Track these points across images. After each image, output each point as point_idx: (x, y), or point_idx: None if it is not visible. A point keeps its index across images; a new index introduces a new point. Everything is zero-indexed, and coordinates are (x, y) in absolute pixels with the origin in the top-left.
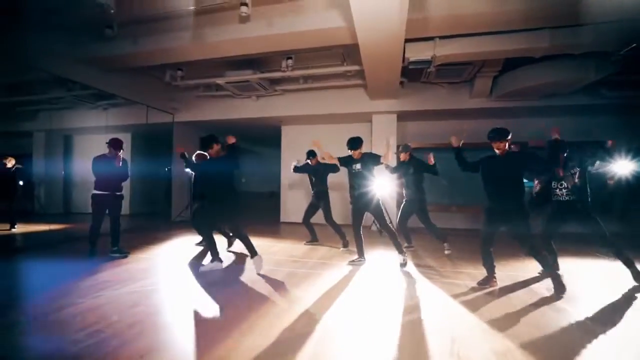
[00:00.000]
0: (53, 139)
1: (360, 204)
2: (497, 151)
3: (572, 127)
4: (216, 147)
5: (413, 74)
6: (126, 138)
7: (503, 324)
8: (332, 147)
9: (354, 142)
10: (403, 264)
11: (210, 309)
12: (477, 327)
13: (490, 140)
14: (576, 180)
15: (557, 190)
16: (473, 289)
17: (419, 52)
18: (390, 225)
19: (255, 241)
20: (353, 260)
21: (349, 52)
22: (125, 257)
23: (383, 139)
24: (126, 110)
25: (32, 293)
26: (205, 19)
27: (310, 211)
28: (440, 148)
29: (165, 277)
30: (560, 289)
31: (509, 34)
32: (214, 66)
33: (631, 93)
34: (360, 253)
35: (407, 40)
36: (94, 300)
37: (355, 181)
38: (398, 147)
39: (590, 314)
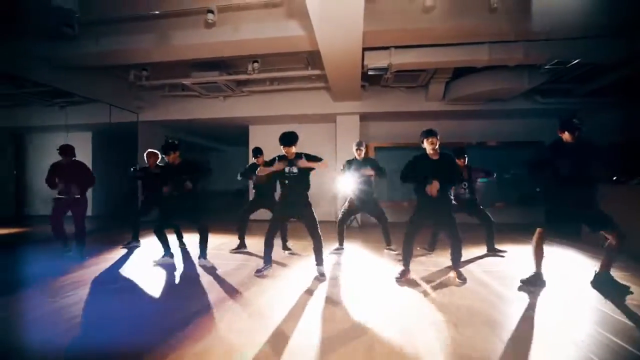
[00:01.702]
0: (1, 138)
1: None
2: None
3: (513, 129)
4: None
5: (373, 79)
6: (86, 137)
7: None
8: (298, 146)
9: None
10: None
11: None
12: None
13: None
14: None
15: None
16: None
17: (376, 60)
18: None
19: (223, 238)
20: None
21: (313, 57)
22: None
23: (347, 138)
24: (87, 108)
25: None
26: (170, 22)
27: None
28: (400, 147)
29: (134, 276)
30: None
31: (455, 47)
32: (180, 67)
33: (560, 100)
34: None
35: (365, 49)
36: (66, 299)
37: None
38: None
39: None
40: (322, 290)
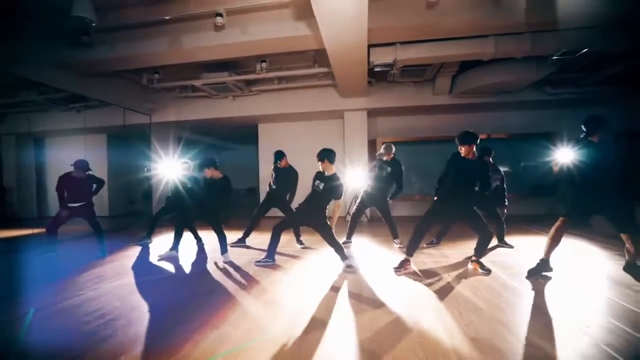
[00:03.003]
0: (23, 142)
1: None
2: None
3: (524, 120)
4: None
5: (380, 75)
6: (102, 139)
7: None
8: (307, 143)
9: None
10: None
11: (202, 296)
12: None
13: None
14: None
15: None
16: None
17: (382, 56)
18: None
19: (237, 235)
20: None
21: (320, 54)
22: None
23: (355, 134)
24: (102, 111)
25: (32, 288)
26: (181, 26)
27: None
28: (408, 142)
29: (153, 270)
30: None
31: (460, 40)
32: (190, 68)
33: (570, 89)
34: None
35: (371, 46)
36: (92, 292)
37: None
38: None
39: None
40: (335, 281)
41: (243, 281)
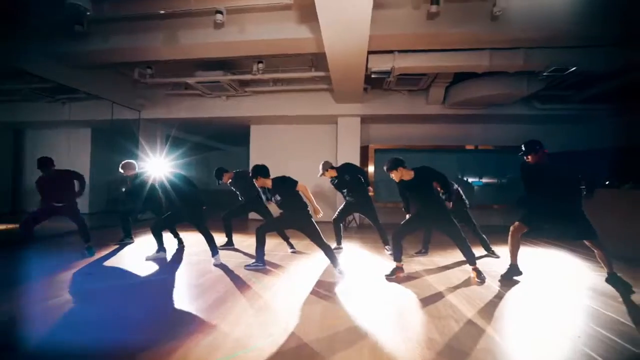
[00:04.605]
0: (1, 133)
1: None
2: None
3: (511, 134)
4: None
5: (375, 82)
6: (86, 133)
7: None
8: (299, 147)
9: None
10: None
11: (193, 298)
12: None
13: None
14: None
15: None
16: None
17: (380, 63)
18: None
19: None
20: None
21: (318, 58)
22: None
23: (348, 140)
24: (88, 105)
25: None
26: (178, 22)
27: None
28: (400, 149)
29: (136, 272)
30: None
31: (457, 52)
32: (184, 65)
33: (557, 106)
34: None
35: (370, 52)
36: (72, 295)
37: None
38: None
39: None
40: (326, 287)
41: (234, 286)
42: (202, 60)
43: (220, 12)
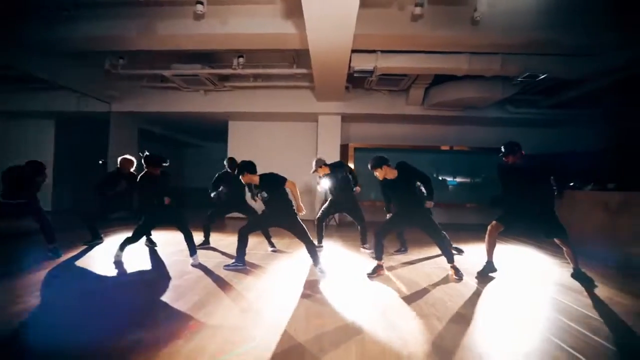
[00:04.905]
0: None
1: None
2: None
3: (486, 136)
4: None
5: (357, 81)
6: (49, 125)
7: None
8: (279, 144)
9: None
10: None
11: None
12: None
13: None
14: None
15: None
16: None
17: (363, 62)
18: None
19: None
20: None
21: (300, 55)
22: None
23: (328, 138)
24: (52, 95)
25: None
26: (156, 11)
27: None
28: (379, 148)
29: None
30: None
31: (437, 55)
32: (160, 57)
33: (529, 110)
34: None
35: (353, 51)
36: (37, 299)
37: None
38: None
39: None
40: (309, 286)
41: (215, 286)
42: (180, 52)
43: (201, 3)
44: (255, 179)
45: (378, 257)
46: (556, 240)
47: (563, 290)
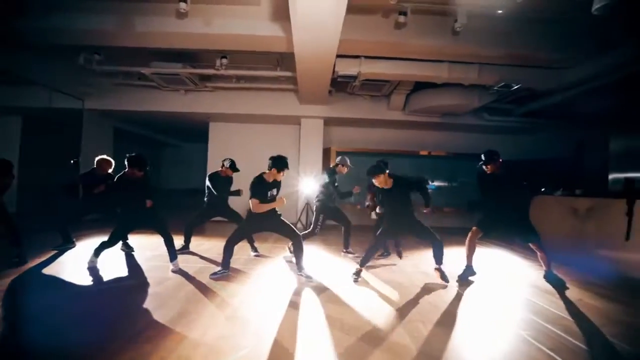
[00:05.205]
0: None
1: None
2: None
3: (463, 142)
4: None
5: (340, 85)
6: (16, 122)
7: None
8: (261, 146)
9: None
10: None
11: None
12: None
13: None
14: None
15: None
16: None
17: (347, 67)
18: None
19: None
20: (287, 255)
21: (284, 58)
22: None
23: (311, 141)
24: (20, 90)
25: None
26: (136, 6)
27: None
28: (361, 152)
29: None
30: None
31: (419, 62)
32: (139, 54)
33: (503, 118)
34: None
35: (337, 56)
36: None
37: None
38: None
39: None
40: (294, 291)
41: (198, 293)
42: (160, 49)
43: (184, 1)
44: (280, 177)
45: (363, 263)
46: (531, 245)
47: (538, 292)
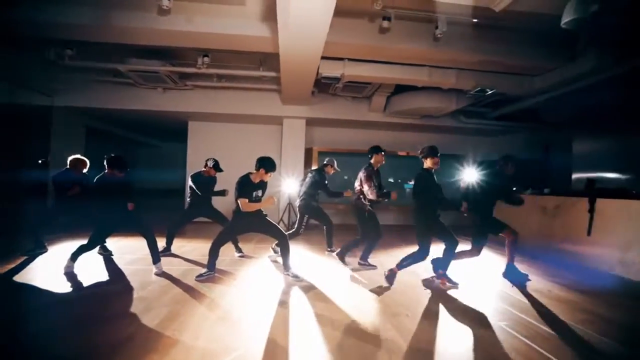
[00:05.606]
0: None
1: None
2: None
3: (441, 143)
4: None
5: (323, 86)
6: None
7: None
8: (242, 146)
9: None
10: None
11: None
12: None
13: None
14: None
15: None
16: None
17: (330, 69)
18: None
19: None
20: (271, 255)
21: (267, 58)
22: None
23: (293, 141)
24: None
25: None
26: (117, 0)
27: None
28: (342, 153)
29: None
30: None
31: (401, 66)
32: (115, 50)
33: (478, 121)
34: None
35: (322, 58)
36: None
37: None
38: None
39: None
40: (283, 291)
41: (185, 296)
42: (138, 46)
43: None
44: (267, 178)
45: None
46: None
47: (510, 285)
